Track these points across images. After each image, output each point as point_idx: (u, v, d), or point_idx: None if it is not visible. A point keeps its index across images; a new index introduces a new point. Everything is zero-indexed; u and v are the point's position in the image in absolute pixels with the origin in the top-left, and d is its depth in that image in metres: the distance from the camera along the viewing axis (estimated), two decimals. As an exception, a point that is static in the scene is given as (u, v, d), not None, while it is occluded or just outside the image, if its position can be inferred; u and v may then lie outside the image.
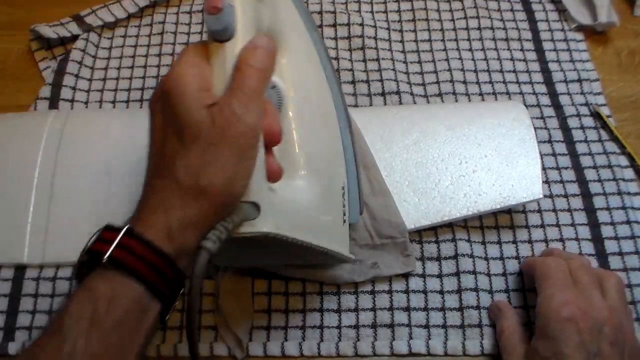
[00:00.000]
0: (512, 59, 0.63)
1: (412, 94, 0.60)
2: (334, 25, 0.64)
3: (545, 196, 0.54)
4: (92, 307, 0.32)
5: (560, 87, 0.61)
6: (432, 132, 0.54)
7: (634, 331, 0.43)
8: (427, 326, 0.48)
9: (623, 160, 0.56)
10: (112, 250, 0.33)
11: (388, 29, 0.65)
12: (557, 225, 0.53)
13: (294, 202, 0.40)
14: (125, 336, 0.33)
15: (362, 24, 0.64)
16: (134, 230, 0.34)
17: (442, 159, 0.53)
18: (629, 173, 0.55)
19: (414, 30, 0.65)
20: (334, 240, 0.42)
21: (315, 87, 0.45)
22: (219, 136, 0.34)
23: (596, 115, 0.58)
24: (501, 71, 0.62)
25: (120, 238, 0.33)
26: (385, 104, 0.59)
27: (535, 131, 0.57)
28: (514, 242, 0.52)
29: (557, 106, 0.59)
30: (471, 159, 0.53)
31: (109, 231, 0.35)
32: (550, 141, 0.57)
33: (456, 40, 0.64)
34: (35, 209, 0.52)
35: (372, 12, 0.67)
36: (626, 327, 0.42)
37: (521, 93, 0.60)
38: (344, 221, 0.46)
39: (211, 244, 0.33)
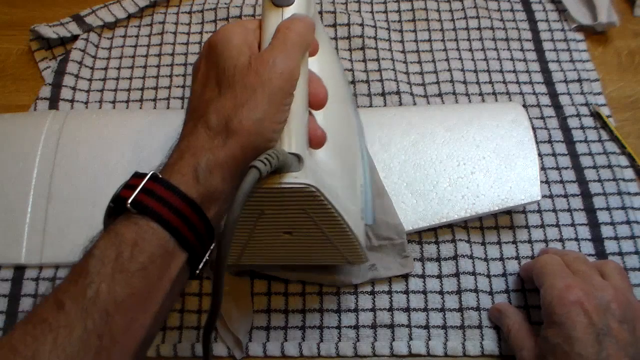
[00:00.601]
0: (512, 59, 0.63)
1: (412, 94, 0.60)
2: (334, 25, 0.64)
3: (545, 196, 0.54)
4: (116, 252, 0.31)
5: (560, 87, 0.61)
6: (430, 133, 0.54)
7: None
8: (427, 327, 0.48)
9: (623, 160, 0.56)
10: (136, 195, 0.32)
11: (388, 29, 0.65)
12: (557, 225, 0.53)
13: (328, 175, 0.40)
14: (149, 282, 0.32)
15: (362, 24, 0.64)
16: (159, 176, 0.33)
17: (441, 161, 0.53)
18: (629, 173, 0.55)
19: (414, 30, 0.65)
20: (357, 229, 0.42)
21: (339, 87, 0.47)
22: (253, 79, 0.35)
23: (596, 115, 0.58)
24: (501, 71, 0.62)
25: (145, 183, 0.33)
26: (385, 104, 0.59)
27: (535, 131, 0.57)
28: (514, 242, 0.52)
29: (557, 106, 0.59)
30: (469, 161, 0.53)
31: (136, 177, 0.34)
32: (550, 141, 0.57)
33: (456, 40, 0.64)
34: (33, 210, 0.52)
35: (372, 12, 0.67)
36: (635, 304, 0.41)
37: (521, 93, 0.60)
38: (362, 218, 0.46)
39: (261, 164, 0.32)
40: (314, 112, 0.40)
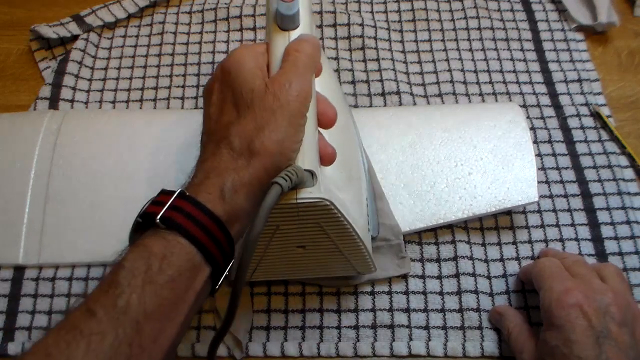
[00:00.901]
0: (512, 59, 0.63)
1: (412, 94, 0.60)
2: (334, 25, 0.64)
3: (545, 196, 0.54)
4: (145, 264, 0.32)
5: (560, 87, 0.61)
6: (428, 134, 0.54)
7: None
8: (427, 327, 0.48)
9: (623, 160, 0.56)
10: (165, 211, 0.34)
11: (388, 29, 0.65)
12: (557, 225, 0.52)
13: (338, 189, 0.41)
14: (176, 294, 0.33)
15: (362, 24, 0.64)
16: (186, 193, 0.35)
17: (438, 162, 0.53)
18: (629, 173, 0.55)
19: (414, 30, 0.65)
20: (365, 240, 0.43)
21: (338, 100, 0.48)
22: (271, 102, 0.36)
23: (596, 115, 0.58)
24: (501, 71, 0.62)
25: (174, 200, 0.34)
26: (385, 104, 0.59)
27: (535, 131, 0.57)
28: (514, 243, 0.52)
29: (557, 106, 0.59)
30: (467, 162, 0.53)
31: (163, 194, 0.35)
32: (550, 141, 0.57)
33: (456, 40, 0.64)
34: (31, 210, 0.52)
35: (372, 12, 0.67)
36: (634, 307, 0.41)
37: (521, 93, 0.60)
38: (369, 229, 0.47)
39: (283, 181, 0.34)
40: (321, 130, 0.42)
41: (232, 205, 0.35)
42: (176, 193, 0.35)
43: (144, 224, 0.34)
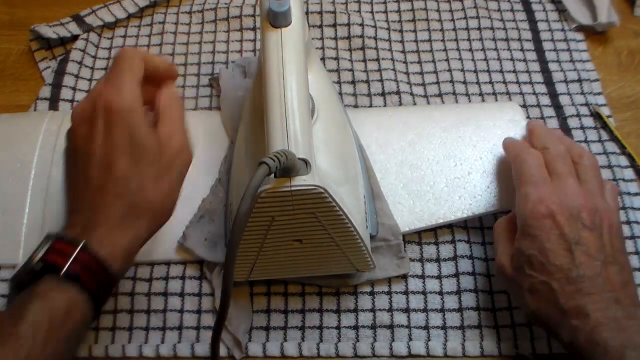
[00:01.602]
0: (512, 59, 0.63)
1: (412, 94, 0.60)
2: (334, 25, 0.64)
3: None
4: (48, 319, 0.34)
5: (560, 87, 0.61)
6: (427, 133, 0.54)
7: (613, 209, 0.44)
8: (426, 327, 0.48)
9: (623, 161, 0.56)
10: (70, 264, 0.36)
11: (388, 29, 0.65)
12: (557, 225, 0.52)
13: (334, 182, 0.41)
14: (73, 344, 0.37)
15: (362, 24, 0.64)
16: (88, 247, 0.36)
17: (437, 161, 0.53)
18: (629, 173, 0.55)
19: (414, 30, 0.65)
20: (363, 236, 0.43)
21: (332, 101, 0.49)
22: (170, 163, 0.39)
23: (596, 116, 0.58)
24: (501, 71, 0.62)
25: (78, 253, 0.36)
26: (385, 104, 0.59)
27: (535, 131, 0.57)
28: (514, 242, 0.52)
29: (557, 106, 0.59)
30: (466, 161, 0.53)
31: (60, 242, 0.37)
32: (550, 141, 0.57)
33: (456, 40, 0.64)
34: (31, 211, 0.52)
35: (372, 12, 0.67)
36: (602, 208, 0.43)
37: (521, 93, 0.60)
38: (367, 227, 0.47)
39: (270, 161, 0.34)
40: (319, 129, 0.45)
41: (128, 259, 0.39)
42: (80, 245, 0.36)
43: (41, 270, 0.36)
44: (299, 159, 0.37)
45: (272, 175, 0.36)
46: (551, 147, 0.47)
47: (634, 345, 0.37)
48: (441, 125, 0.55)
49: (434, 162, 0.53)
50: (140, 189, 0.38)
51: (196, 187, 0.52)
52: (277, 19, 0.41)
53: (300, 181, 0.37)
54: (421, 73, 0.62)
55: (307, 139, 0.38)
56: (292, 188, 0.36)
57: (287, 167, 0.36)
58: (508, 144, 0.51)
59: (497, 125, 0.54)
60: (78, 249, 0.36)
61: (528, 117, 0.58)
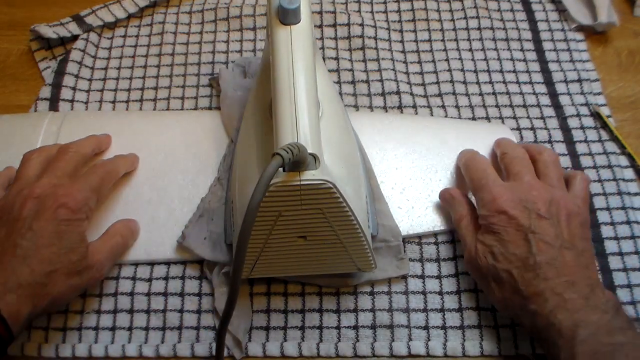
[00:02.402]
0: (512, 59, 0.63)
1: (412, 94, 0.60)
2: (334, 25, 0.64)
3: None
4: None
5: (560, 87, 0.61)
6: (426, 144, 0.55)
7: (574, 197, 0.47)
8: (426, 327, 0.48)
9: (623, 161, 0.56)
10: None
11: (388, 29, 0.65)
12: (557, 225, 0.52)
13: (340, 180, 0.41)
14: None
15: (362, 24, 0.64)
16: None
17: (436, 171, 0.54)
18: (629, 173, 0.55)
19: (414, 30, 0.65)
20: (366, 235, 0.43)
21: (334, 103, 0.50)
22: (82, 271, 0.44)
23: (596, 116, 0.58)
24: (501, 71, 0.62)
25: None
26: (385, 104, 0.59)
27: (535, 131, 0.58)
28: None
29: (557, 106, 0.59)
30: None
31: None
32: (550, 141, 0.57)
33: (456, 40, 0.64)
34: None
35: (372, 12, 0.67)
36: (559, 197, 0.46)
37: (521, 93, 0.60)
38: (369, 227, 0.47)
39: (283, 152, 0.34)
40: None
41: (22, 326, 0.42)
42: None
43: None
44: (309, 153, 0.37)
45: (282, 169, 0.36)
46: (509, 151, 0.50)
47: (585, 324, 0.39)
48: (440, 138, 0.55)
49: (433, 172, 0.54)
50: (50, 274, 0.42)
51: (195, 187, 0.53)
52: (287, 17, 0.41)
53: (310, 176, 0.37)
54: (421, 73, 0.62)
55: (316, 134, 0.38)
56: (302, 182, 0.37)
57: (298, 161, 0.36)
58: (460, 155, 0.54)
59: (489, 145, 0.55)
60: None
61: (528, 117, 0.58)
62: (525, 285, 0.42)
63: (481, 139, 0.55)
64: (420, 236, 0.52)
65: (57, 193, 0.44)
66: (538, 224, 0.44)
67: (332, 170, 0.42)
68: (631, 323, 0.41)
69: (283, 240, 0.42)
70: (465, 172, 0.51)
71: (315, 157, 0.37)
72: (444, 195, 0.51)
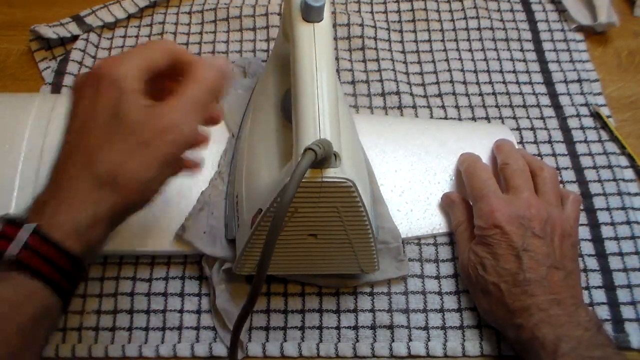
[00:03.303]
0: (512, 59, 0.63)
1: (411, 94, 0.60)
2: (334, 26, 0.64)
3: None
4: None
5: (560, 88, 0.61)
6: (425, 146, 0.55)
7: (568, 218, 0.47)
8: (426, 328, 0.48)
9: (623, 161, 0.56)
10: (19, 251, 0.32)
11: (388, 29, 0.65)
12: (557, 225, 0.52)
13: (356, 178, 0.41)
14: (29, 339, 0.32)
15: (362, 24, 0.64)
16: (40, 230, 0.33)
17: (435, 173, 0.54)
18: (629, 173, 0.55)
19: (414, 31, 0.65)
20: (374, 236, 0.43)
21: (344, 105, 0.50)
22: (151, 139, 0.34)
23: (596, 116, 0.58)
24: (501, 71, 0.62)
25: (28, 238, 0.32)
26: (385, 104, 0.59)
27: (535, 131, 0.58)
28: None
29: (557, 106, 0.59)
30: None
31: (10, 226, 0.33)
32: (550, 141, 0.57)
33: (456, 40, 0.64)
34: (19, 198, 0.50)
35: (372, 12, 0.67)
36: (555, 217, 0.46)
37: (521, 93, 0.60)
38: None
39: (317, 147, 0.34)
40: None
41: (87, 240, 0.34)
42: (31, 229, 0.32)
43: None
44: (334, 152, 0.37)
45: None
46: (511, 163, 0.50)
47: (568, 338, 0.41)
48: (439, 140, 0.56)
49: (432, 174, 0.54)
50: (106, 159, 0.34)
51: (196, 180, 0.52)
52: (311, 14, 0.41)
53: (332, 173, 0.37)
54: (421, 73, 0.62)
55: (337, 132, 0.38)
56: (324, 179, 0.37)
57: (324, 158, 0.36)
58: (461, 158, 0.54)
59: (489, 146, 0.55)
60: (28, 233, 0.32)
61: (528, 117, 0.58)
62: (512, 300, 0.43)
63: (480, 140, 0.55)
64: (419, 237, 0.52)
65: (99, 68, 0.36)
66: (531, 242, 0.44)
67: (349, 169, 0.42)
68: (611, 340, 0.42)
69: (294, 237, 0.42)
70: (467, 180, 0.51)
71: (336, 155, 0.37)
72: (445, 199, 0.52)
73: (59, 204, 0.34)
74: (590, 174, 0.55)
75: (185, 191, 0.52)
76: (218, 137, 0.55)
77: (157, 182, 0.36)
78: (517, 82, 0.61)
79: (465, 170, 0.51)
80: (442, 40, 0.64)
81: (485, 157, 0.54)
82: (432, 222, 0.52)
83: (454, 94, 0.60)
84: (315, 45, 0.40)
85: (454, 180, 0.54)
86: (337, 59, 0.62)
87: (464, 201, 0.51)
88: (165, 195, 0.51)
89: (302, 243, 0.42)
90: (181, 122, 0.35)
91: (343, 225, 0.41)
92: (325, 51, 0.41)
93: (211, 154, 0.54)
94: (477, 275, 0.46)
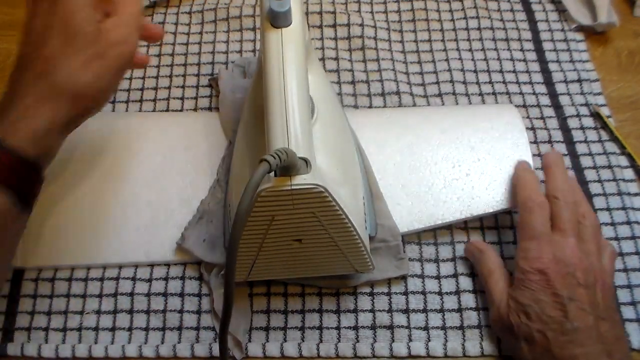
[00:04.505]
0: (512, 59, 0.63)
1: (411, 94, 0.60)
2: (334, 26, 0.64)
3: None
4: None
5: (560, 88, 0.61)
6: (425, 135, 0.54)
7: (608, 270, 0.46)
8: (426, 328, 0.48)
9: (623, 161, 0.56)
10: None
11: (388, 29, 0.65)
12: (557, 225, 0.52)
13: (333, 182, 0.41)
14: None
15: (362, 24, 0.64)
16: None
17: (436, 162, 0.53)
18: (629, 173, 0.55)
19: (414, 31, 0.65)
20: (363, 237, 0.43)
21: (330, 102, 0.50)
22: (105, 51, 0.38)
23: (596, 116, 0.58)
24: (501, 71, 0.62)
25: None
26: (385, 104, 0.59)
27: (535, 131, 0.57)
28: (514, 242, 0.52)
29: (557, 106, 0.59)
30: (464, 163, 0.53)
31: None
32: (550, 141, 0.57)
33: (456, 40, 0.64)
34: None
35: (372, 12, 0.67)
36: (597, 268, 0.45)
37: (521, 93, 0.60)
38: (366, 228, 0.46)
39: (271, 158, 0.34)
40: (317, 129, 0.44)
41: (45, 146, 0.37)
42: None
43: None
44: (300, 158, 0.37)
45: (273, 174, 0.36)
46: (561, 199, 0.47)
47: None
48: (439, 127, 0.55)
49: (433, 164, 0.53)
50: (63, 68, 0.37)
51: (195, 189, 0.52)
52: (277, 19, 0.41)
53: (301, 180, 0.37)
54: (421, 73, 0.62)
55: (307, 138, 0.38)
56: (292, 187, 0.36)
57: (288, 166, 0.36)
58: (519, 178, 0.50)
59: (495, 128, 0.54)
60: None
61: (528, 117, 0.58)
62: (559, 348, 0.42)
63: (483, 123, 0.54)
64: (419, 237, 0.51)
65: None
66: (576, 291, 0.43)
67: (327, 172, 0.42)
68: None
69: (278, 243, 0.42)
70: (522, 209, 0.48)
71: (306, 161, 0.37)
72: (471, 249, 0.50)
73: (15, 113, 0.36)
74: (590, 174, 0.55)
75: (185, 200, 0.52)
76: (217, 145, 0.55)
77: (109, 90, 0.41)
78: (517, 82, 0.61)
79: (523, 200, 0.48)
80: (442, 40, 0.64)
81: (489, 140, 0.53)
82: (433, 213, 0.51)
83: (454, 94, 0.60)
84: (283, 51, 0.40)
85: (455, 168, 0.52)
86: (336, 58, 0.62)
87: (492, 250, 0.49)
88: (165, 205, 0.52)
89: (289, 248, 0.42)
90: (129, 36, 0.40)
91: (325, 228, 0.40)
92: (294, 56, 0.40)
93: (210, 162, 0.54)
94: (519, 323, 0.43)
